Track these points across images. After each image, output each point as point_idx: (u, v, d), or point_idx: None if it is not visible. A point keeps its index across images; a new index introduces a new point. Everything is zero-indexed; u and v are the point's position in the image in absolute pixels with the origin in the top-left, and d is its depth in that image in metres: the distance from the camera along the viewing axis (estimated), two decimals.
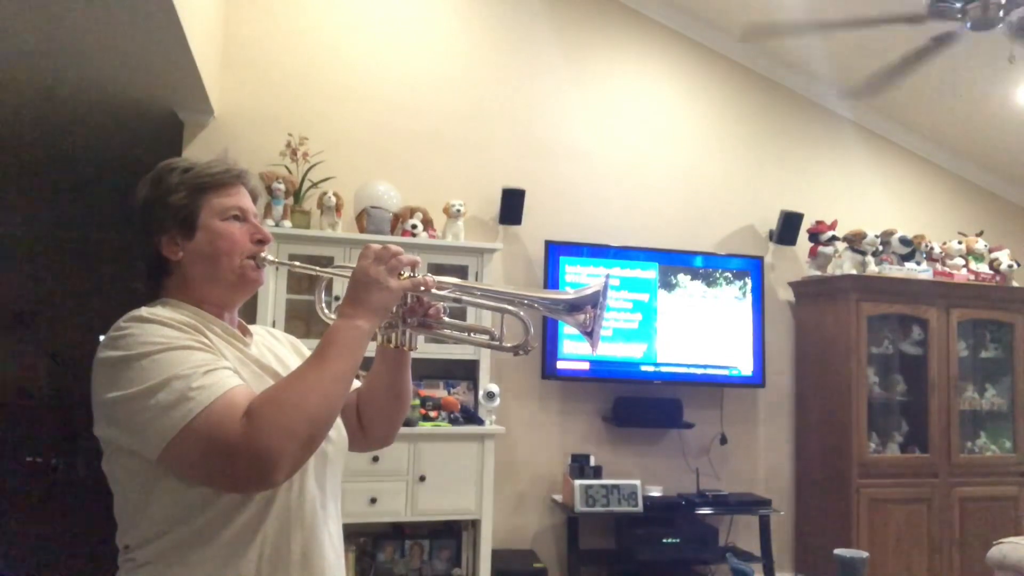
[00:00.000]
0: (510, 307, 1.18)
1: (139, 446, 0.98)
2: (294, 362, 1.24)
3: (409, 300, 1.20)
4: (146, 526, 1.03)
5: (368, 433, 1.30)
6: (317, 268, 1.26)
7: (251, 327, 1.26)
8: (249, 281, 1.17)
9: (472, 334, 1.32)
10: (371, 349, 1.14)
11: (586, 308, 1.15)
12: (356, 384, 1.30)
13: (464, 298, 1.20)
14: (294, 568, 1.07)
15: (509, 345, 1.20)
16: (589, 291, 1.16)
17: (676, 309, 4.02)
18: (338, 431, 1.20)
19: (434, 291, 1.17)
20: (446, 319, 1.24)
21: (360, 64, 3.90)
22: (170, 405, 0.95)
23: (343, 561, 1.19)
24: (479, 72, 4.09)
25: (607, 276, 1.18)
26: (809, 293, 4.37)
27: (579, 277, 3.89)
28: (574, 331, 3.77)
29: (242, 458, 0.94)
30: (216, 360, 1.03)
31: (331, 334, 1.07)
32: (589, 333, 1.16)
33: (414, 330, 1.23)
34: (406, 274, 1.14)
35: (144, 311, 1.07)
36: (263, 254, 1.18)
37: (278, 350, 1.26)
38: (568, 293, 1.18)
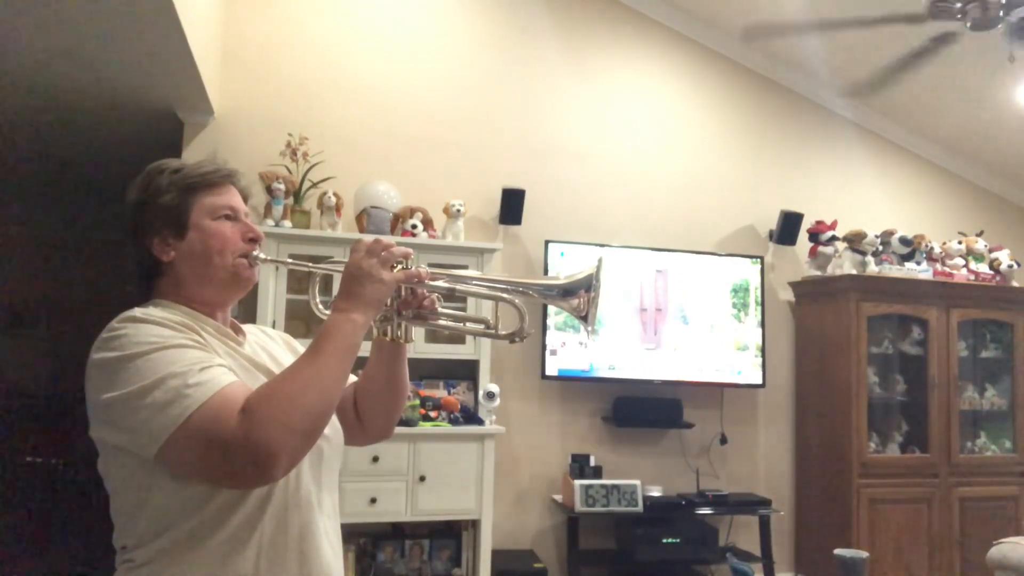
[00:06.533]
0: (504, 295, 1.18)
1: (136, 445, 0.98)
2: (288, 359, 1.24)
3: (403, 292, 1.19)
4: (143, 526, 1.03)
5: (366, 427, 1.30)
6: (310, 264, 1.27)
7: (244, 326, 1.26)
8: (242, 280, 1.17)
9: (468, 324, 1.32)
10: (365, 349, 1.14)
11: (580, 292, 1.15)
12: (352, 379, 1.30)
13: (458, 288, 1.20)
14: (291, 565, 1.07)
15: (505, 333, 1.20)
16: (582, 275, 1.16)
17: (676, 309, 4.02)
18: (333, 427, 1.20)
19: (428, 282, 1.17)
20: (441, 310, 1.24)
21: (360, 64, 3.90)
22: (166, 403, 0.95)
23: (341, 558, 1.19)
24: (479, 72, 4.09)
25: (600, 259, 1.17)
26: (809, 293, 4.37)
27: None
28: (573, 334, 3.73)
29: (240, 454, 0.95)
30: (211, 357, 1.03)
31: (326, 328, 1.07)
32: (584, 317, 1.15)
33: (409, 322, 1.23)
34: (399, 266, 1.14)
35: (137, 311, 1.07)
36: (255, 252, 1.18)
37: (272, 348, 1.26)
38: (561, 278, 1.17)
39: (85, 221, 5.90)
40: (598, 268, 1.15)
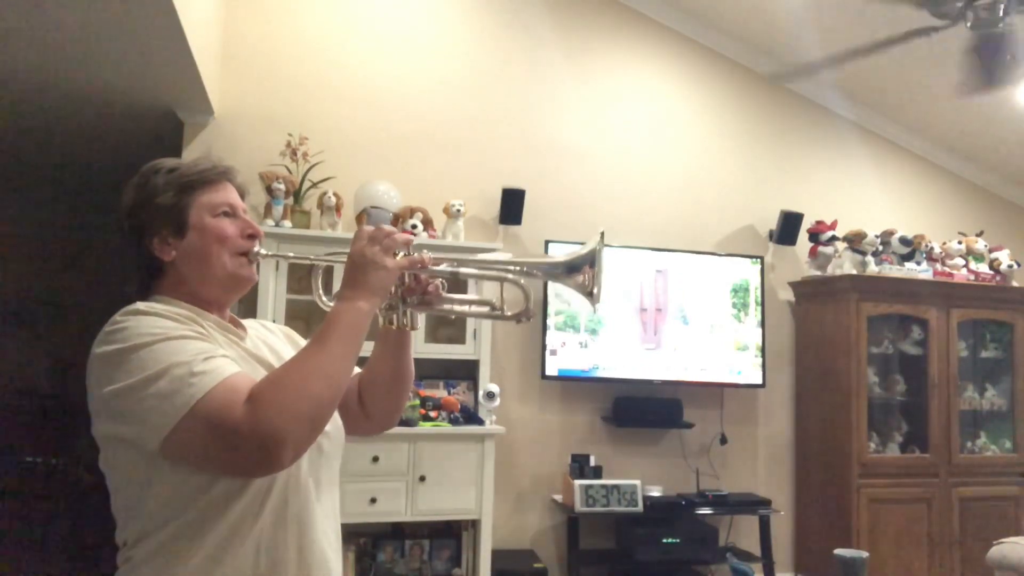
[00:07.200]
0: (509, 275, 1.18)
1: (140, 437, 0.98)
2: (289, 353, 1.23)
3: (407, 279, 1.19)
4: (144, 520, 1.03)
5: (371, 416, 1.30)
6: (311, 257, 1.26)
7: (244, 321, 1.26)
8: (243, 277, 1.17)
9: (473, 307, 1.31)
10: (365, 350, 1.14)
11: (584, 268, 1.15)
12: (356, 370, 1.29)
13: (462, 270, 1.19)
14: (290, 561, 1.07)
15: (511, 313, 1.19)
16: (585, 250, 1.16)
17: (676, 309, 4.02)
18: (334, 424, 1.20)
19: (431, 267, 1.17)
20: (445, 295, 1.24)
21: (360, 64, 3.90)
22: (171, 393, 0.95)
23: (340, 554, 1.18)
24: (480, 72, 4.10)
25: (602, 233, 1.17)
26: (809, 293, 4.37)
27: None
28: (573, 334, 3.72)
29: (246, 441, 0.94)
30: (214, 348, 1.03)
31: (332, 317, 1.07)
32: (590, 293, 1.15)
33: (414, 309, 1.23)
34: (401, 253, 1.13)
35: (140, 304, 1.07)
36: (256, 249, 1.18)
37: (272, 342, 1.26)
38: (564, 256, 1.17)
39: (85, 221, 5.90)
40: (600, 242, 1.15)
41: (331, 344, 1.04)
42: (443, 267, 1.18)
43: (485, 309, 1.26)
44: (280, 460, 0.97)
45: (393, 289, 1.17)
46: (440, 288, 1.23)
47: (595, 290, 1.15)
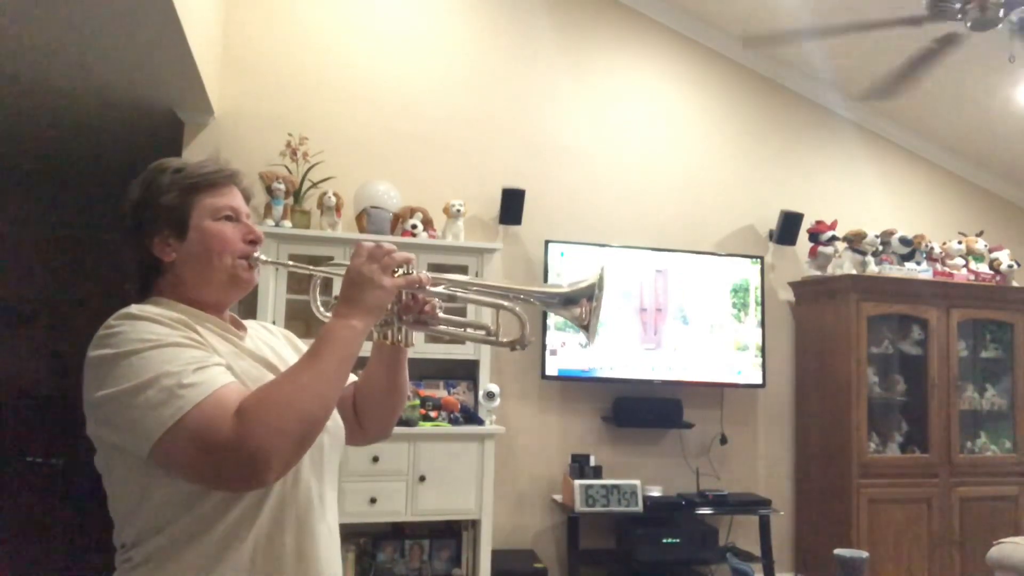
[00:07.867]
0: (505, 302, 1.18)
1: (129, 444, 0.98)
2: (289, 354, 1.24)
3: (404, 297, 1.19)
4: (141, 523, 1.02)
5: (364, 427, 1.30)
6: (311, 267, 1.26)
7: (246, 322, 1.26)
8: (242, 281, 1.17)
9: (468, 330, 1.31)
10: (366, 349, 1.14)
11: (581, 301, 1.15)
12: (352, 378, 1.29)
13: (459, 294, 1.19)
14: (289, 560, 1.07)
15: (506, 340, 1.19)
16: (584, 284, 1.15)
17: (676, 309, 4.02)
18: (335, 421, 1.20)
19: (429, 288, 1.17)
20: (442, 315, 1.24)
21: (360, 64, 3.90)
22: (159, 403, 0.95)
23: (339, 553, 1.18)
24: (479, 72, 4.09)
25: (602, 268, 1.17)
26: (809, 293, 4.37)
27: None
28: (573, 333, 3.73)
29: (233, 457, 0.94)
30: (207, 357, 1.02)
31: (326, 333, 1.06)
32: (585, 327, 1.15)
33: (410, 327, 1.23)
34: (400, 272, 1.13)
35: (134, 308, 1.06)
36: (256, 254, 1.18)
37: (273, 343, 1.26)
38: (563, 287, 1.17)
39: (85, 221, 5.90)
40: (601, 277, 1.14)
41: (323, 362, 1.03)
42: (440, 288, 1.18)
43: (481, 333, 1.25)
44: (265, 477, 0.96)
45: (389, 306, 1.17)
46: (436, 308, 1.23)
47: (591, 325, 1.14)
